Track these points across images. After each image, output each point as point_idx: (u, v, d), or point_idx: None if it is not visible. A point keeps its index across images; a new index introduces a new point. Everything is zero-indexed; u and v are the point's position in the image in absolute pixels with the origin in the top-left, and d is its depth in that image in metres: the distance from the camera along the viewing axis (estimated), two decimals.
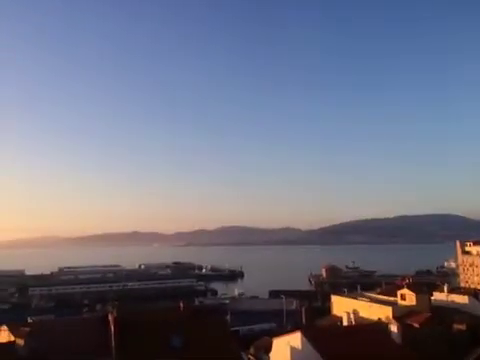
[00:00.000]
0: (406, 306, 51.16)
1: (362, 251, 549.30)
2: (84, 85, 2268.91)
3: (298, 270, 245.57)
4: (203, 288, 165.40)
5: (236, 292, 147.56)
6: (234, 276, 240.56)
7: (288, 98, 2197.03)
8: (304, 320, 45.59)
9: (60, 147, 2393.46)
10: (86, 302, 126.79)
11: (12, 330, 37.50)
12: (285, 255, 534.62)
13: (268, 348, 43.26)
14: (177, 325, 35.02)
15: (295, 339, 36.35)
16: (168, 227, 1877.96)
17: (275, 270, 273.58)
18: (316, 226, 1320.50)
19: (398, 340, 36.40)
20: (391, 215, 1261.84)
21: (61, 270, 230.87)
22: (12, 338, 36.25)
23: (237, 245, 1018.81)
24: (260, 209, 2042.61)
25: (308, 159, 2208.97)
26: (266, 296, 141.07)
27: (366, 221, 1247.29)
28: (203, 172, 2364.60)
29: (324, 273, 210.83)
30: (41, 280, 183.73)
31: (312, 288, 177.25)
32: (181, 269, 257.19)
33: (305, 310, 46.45)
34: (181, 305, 38.60)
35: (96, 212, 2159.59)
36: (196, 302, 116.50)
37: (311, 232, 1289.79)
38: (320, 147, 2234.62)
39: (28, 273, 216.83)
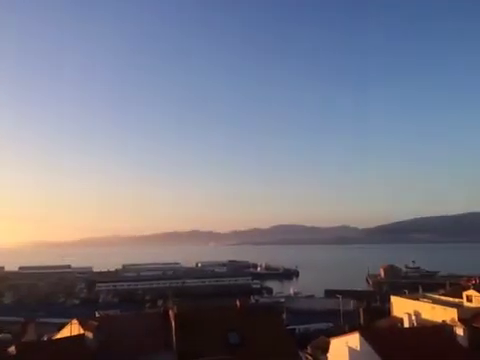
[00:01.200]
0: (473, 308, 48.54)
1: (424, 250, 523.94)
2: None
3: (355, 270, 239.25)
4: (258, 286, 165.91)
5: (291, 291, 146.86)
6: (289, 275, 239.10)
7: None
8: (362, 321, 44.71)
9: (123, 151, 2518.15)
10: (148, 298, 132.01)
11: (82, 324, 40.24)
12: (341, 254, 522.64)
13: (325, 348, 42.90)
14: (234, 322, 35.75)
15: (353, 340, 35.79)
16: (224, 226, 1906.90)
17: (331, 269, 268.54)
18: (374, 224, 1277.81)
19: (464, 344, 34.57)
20: (457, 212, 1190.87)
21: (125, 267, 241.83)
22: (82, 331, 38.91)
23: (291, 244, 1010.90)
24: (315, 207, 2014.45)
25: (366, 156, 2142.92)
26: (322, 295, 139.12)
27: (429, 219, 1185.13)
28: (256, 172, 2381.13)
29: (382, 273, 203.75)
30: (107, 277, 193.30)
31: (370, 288, 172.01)
32: (236, 267, 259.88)
33: (363, 310, 45.59)
34: (238, 303, 39.28)
35: (158, 212, 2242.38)
36: (252, 300, 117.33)
37: (368, 231, 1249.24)
38: (378, 145, 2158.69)
39: (95, 270, 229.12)
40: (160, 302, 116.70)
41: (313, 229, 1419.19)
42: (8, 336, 57.85)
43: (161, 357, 33.47)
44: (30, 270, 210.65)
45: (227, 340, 34.09)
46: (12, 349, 32.55)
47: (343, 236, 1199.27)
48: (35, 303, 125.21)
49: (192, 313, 37.48)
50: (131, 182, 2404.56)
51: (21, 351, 30.20)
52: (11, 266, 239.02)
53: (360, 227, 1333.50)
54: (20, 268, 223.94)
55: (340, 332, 44.09)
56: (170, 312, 38.10)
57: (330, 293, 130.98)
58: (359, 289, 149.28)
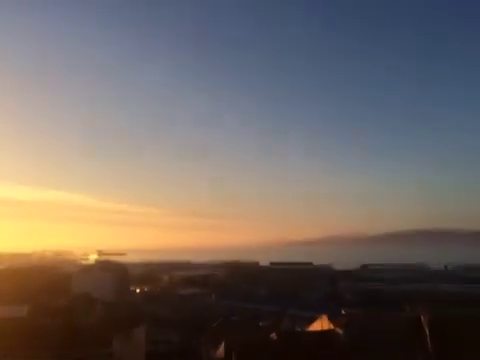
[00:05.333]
0: None
1: None
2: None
3: None
4: None
5: None
6: None
7: None
8: None
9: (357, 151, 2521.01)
10: (392, 300, 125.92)
11: (331, 319, 41.56)
12: None
13: None
14: None
15: None
16: (469, 224, 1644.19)
17: None
18: None
19: None
20: None
21: (365, 267, 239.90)
22: (331, 326, 40.20)
23: None
24: None
25: None
26: None
27: None
28: None
29: None
30: (348, 275, 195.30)
31: None
32: None
33: None
34: None
35: (397, 210, 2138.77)
36: None
37: None
38: None
39: (336, 268, 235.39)
40: (408, 306, 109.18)
41: None
42: (267, 324, 65.03)
43: None
44: (279, 266, 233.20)
45: None
46: (273, 335, 36.46)
47: None
48: (284, 296, 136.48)
49: (450, 322, 33.51)
50: (363, 180, 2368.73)
51: (281, 338, 33.47)
52: (263, 261, 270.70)
53: None
54: (271, 263, 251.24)
55: None
56: (422, 318, 35.31)
57: None
58: None
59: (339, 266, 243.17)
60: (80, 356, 46.75)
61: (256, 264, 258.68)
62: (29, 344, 47.66)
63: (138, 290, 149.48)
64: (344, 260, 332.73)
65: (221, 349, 39.12)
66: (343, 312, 52.83)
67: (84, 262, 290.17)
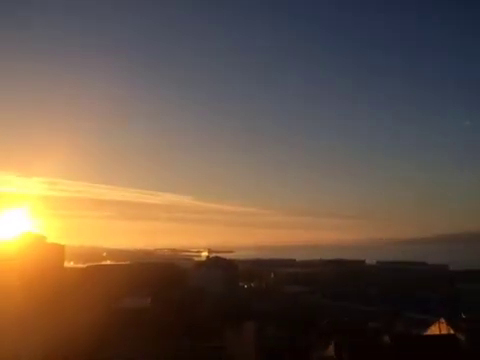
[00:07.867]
0: None
1: None
2: None
3: None
4: None
5: None
6: None
7: None
8: None
9: None
10: None
11: (450, 324, 38.77)
12: None
13: None
14: None
15: None
16: None
17: None
18: None
19: None
20: None
21: None
22: (450, 331, 37.45)
23: None
24: None
25: None
26: None
27: None
28: None
29: None
30: (468, 276, 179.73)
31: None
32: None
33: None
34: None
35: None
36: None
37: None
38: None
39: (452, 268, 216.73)
40: None
41: None
42: (378, 325, 62.66)
43: None
44: (387, 265, 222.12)
45: None
46: (386, 338, 35.19)
47: None
48: (395, 297, 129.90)
49: None
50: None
51: (396, 341, 32.33)
52: (369, 260, 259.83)
53: None
54: (377, 262, 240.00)
55: None
56: None
57: None
58: None
59: (456, 266, 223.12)
60: (194, 346, 50.25)
61: (362, 263, 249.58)
62: (150, 332, 52.70)
63: (246, 286, 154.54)
64: (462, 260, 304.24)
65: (331, 349, 38.95)
66: (463, 316, 48.97)
67: (197, 259, 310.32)
